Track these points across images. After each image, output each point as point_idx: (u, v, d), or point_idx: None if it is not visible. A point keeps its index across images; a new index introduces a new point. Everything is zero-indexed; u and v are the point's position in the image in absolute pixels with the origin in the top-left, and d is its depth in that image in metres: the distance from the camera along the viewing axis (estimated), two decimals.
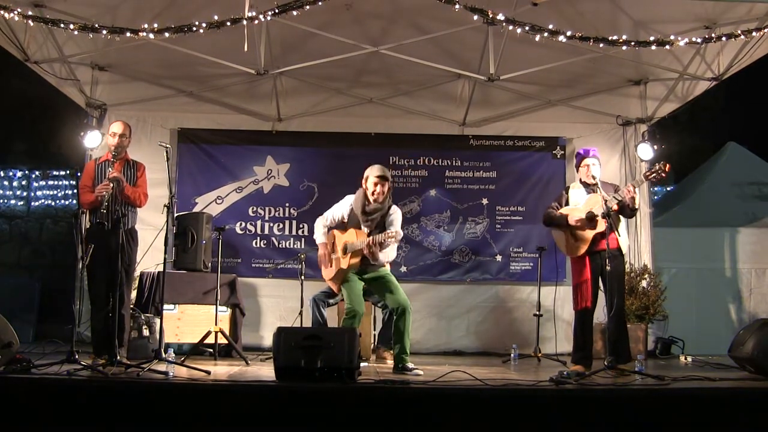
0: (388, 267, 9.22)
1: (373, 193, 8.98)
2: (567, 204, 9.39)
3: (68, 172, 16.37)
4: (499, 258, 12.71)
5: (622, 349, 8.92)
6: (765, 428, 7.03)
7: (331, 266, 9.19)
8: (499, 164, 12.86)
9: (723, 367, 9.50)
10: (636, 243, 12.57)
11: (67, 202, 16.32)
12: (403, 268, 12.38)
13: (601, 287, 9.17)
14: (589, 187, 9.28)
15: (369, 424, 6.60)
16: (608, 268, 8.66)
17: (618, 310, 8.93)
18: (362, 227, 9.02)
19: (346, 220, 9.21)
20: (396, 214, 9.14)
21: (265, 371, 8.39)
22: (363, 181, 9.09)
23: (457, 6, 8.66)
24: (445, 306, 12.58)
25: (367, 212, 9.03)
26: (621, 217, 9.20)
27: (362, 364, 8.14)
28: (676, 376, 8.36)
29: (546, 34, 8.87)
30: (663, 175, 8.92)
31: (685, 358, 11.10)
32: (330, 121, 12.54)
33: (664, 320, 12.00)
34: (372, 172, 9.04)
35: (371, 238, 8.81)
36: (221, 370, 8.62)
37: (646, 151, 12.27)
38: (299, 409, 6.60)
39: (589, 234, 9.09)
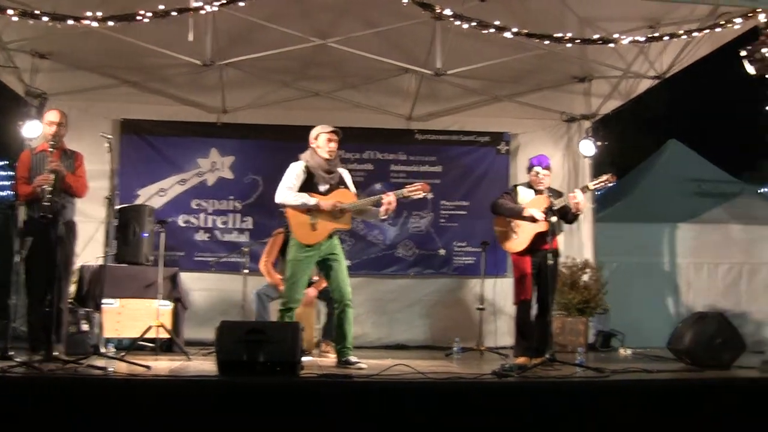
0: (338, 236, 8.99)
1: (328, 151, 8.79)
2: (515, 200, 9.49)
3: (7, 163, 16.10)
4: (442, 252, 12.76)
5: (548, 344, 9.07)
6: (701, 419, 7.16)
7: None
8: (445, 159, 12.90)
9: (661, 360, 9.65)
10: (578, 238, 12.68)
11: (4, 194, 16.03)
12: (348, 262, 12.30)
13: (537, 284, 9.36)
14: (537, 192, 9.48)
15: (311, 418, 6.57)
16: (551, 263, 8.90)
17: (549, 308, 9.22)
18: (320, 187, 8.74)
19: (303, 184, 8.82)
20: (346, 173, 9.03)
21: (208, 366, 8.33)
22: (313, 140, 8.87)
23: (405, 0, 8.66)
24: (389, 300, 12.60)
25: (328, 169, 8.78)
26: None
27: (305, 358, 8.11)
28: (615, 368, 8.50)
29: (493, 30, 8.90)
30: (609, 185, 9.21)
31: (625, 351, 11.23)
32: (276, 113, 12.46)
33: (605, 314, 12.12)
34: (324, 129, 8.85)
35: (402, 190, 8.75)
36: (162, 365, 8.51)
37: (588, 148, 12.38)
38: (241, 403, 6.56)
39: (532, 231, 9.21)
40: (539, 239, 9.19)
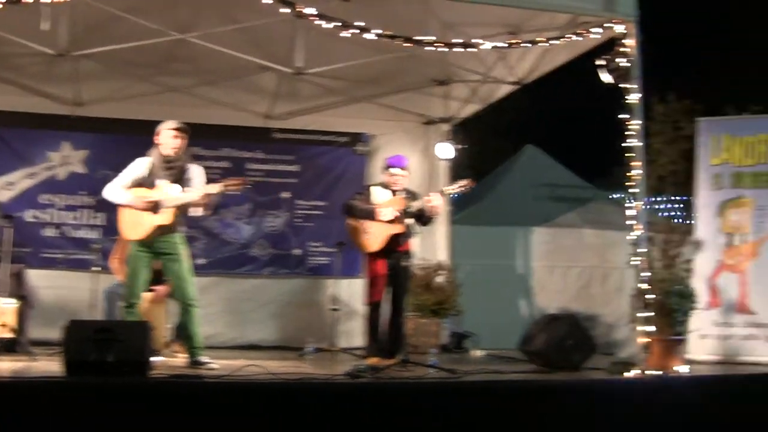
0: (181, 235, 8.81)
1: (172, 147, 8.59)
2: (369, 201, 9.50)
3: None
4: (297, 252, 12.71)
5: (400, 345, 9.16)
6: (552, 419, 7.29)
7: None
8: (302, 158, 12.84)
9: (514, 361, 9.79)
10: (433, 239, 12.78)
11: None
12: (201, 261, 12.16)
13: (391, 285, 9.40)
14: (392, 192, 9.54)
15: (161, 419, 6.42)
16: (405, 264, 9.09)
17: (403, 310, 9.33)
18: (157, 182, 8.55)
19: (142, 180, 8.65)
20: (198, 170, 8.78)
21: (54, 366, 8.08)
22: (156, 136, 8.66)
23: None
24: (243, 299, 12.46)
25: (169, 166, 8.58)
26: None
27: (155, 358, 7.95)
28: (468, 369, 8.63)
29: (355, 31, 8.88)
30: (466, 190, 9.43)
31: (478, 352, 11.36)
32: (132, 108, 12.10)
33: (459, 315, 12.23)
34: (167, 125, 8.65)
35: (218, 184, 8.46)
36: (5, 365, 8.24)
37: (446, 151, 12.49)
38: (88, 404, 6.37)
39: (386, 232, 9.24)
40: (394, 241, 9.24)
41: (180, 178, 8.58)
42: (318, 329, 11.73)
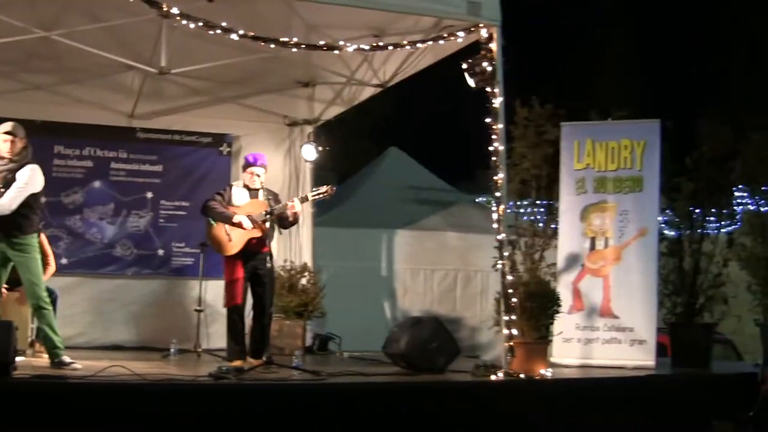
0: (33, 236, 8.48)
1: (4, 149, 8.24)
2: (230, 202, 9.39)
3: None
4: (161, 252, 12.46)
5: (265, 347, 9.19)
6: (416, 421, 7.43)
7: None
8: (166, 158, 12.59)
9: (377, 363, 9.77)
10: (297, 241, 12.69)
11: None
12: (64, 260, 11.80)
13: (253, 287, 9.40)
14: (252, 192, 9.47)
15: (24, 420, 6.30)
16: (267, 266, 9.11)
17: (268, 311, 9.32)
18: None
19: None
20: (24, 171, 8.28)
21: None
22: None
23: None
24: (106, 300, 12.12)
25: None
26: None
27: (18, 359, 7.67)
28: (332, 371, 8.60)
29: (219, 31, 8.75)
30: (327, 197, 9.52)
31: (342, 354, 11.32)
32: None
33: (323, 317, 12.17)
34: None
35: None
36: None
37: (310, 152, 12.42)
38: None
39: (245, 236, 9.16)
40: (253, 244, 9.17)
41: (10, 180, 8.25)
42: (182, 330, 11.52)
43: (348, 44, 9.46)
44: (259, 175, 9.48)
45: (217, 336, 11.53)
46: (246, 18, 9.09)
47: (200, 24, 8.65)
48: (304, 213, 12.49)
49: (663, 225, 10.88)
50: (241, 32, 8.81)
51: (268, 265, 9.17)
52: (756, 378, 8.80)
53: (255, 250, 9.21)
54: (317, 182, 12.19)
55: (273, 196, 9.53)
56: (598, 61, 35.94)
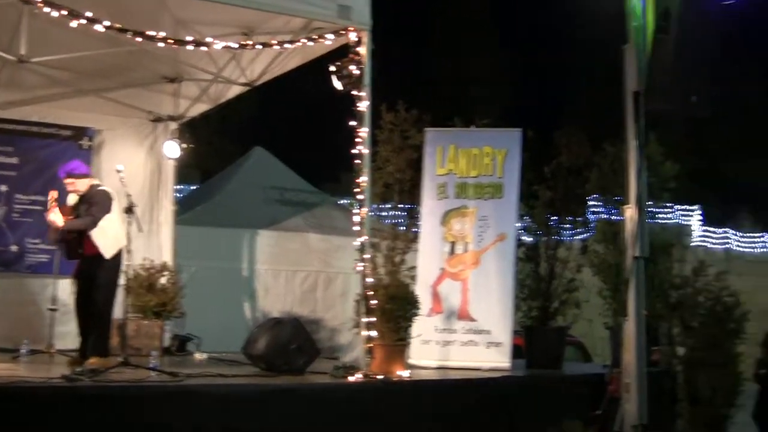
0: None
1: None
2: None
3: None
4: (15, 248, 12.11)
5: (102, 346, 9.18)
6: (274, 422, 7.50)
7: None
8: (22, 150, 12.21)
9: (237, 364, 9.72)
10: (157, 240, 12.53)
11: None
12: None
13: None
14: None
15: None
16: (94, 268, 9.18)
17: (97, 312, 9.28)
18: None
19: None
20: None
21: None
22: None
23: None
24: None
25: None
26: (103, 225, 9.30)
27: None
28: (190, 372, 8.53)
29: (84, 21, 8.58)
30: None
31: (201, 355, 11.22)
32: None
33: (182, 317, 12.04)
34: None
35: None
36: None
37: (173, 149, 12.30)
38: None
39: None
40: (75, 246, 9.26)
41: None
42: (35, 330, 11.22)
43: (216, 41, 9.41)
44: (69, 185, 9.44)
45: (71, 336, 11.30)
46: (113, 9, 8.95)
47: (64, 12, 8.47)
48: (165, 211, 12.43)
49: (521, 231, 11.12)
50: (106, 23, 8.67)
51: (93, 265, 9.12)
52: (604, 379, 9.10)
53: (83, 254, 9.27)
54: (179, 180, 12.09)
55: (88, 203, 9.40)
56: (465, 71, 36.56)
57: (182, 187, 17.43)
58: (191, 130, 12.90)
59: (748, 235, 31.83)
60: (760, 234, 32.36)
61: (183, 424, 7.13)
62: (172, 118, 12.79)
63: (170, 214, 12.58)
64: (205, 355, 11.14)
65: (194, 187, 17.83)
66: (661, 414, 9.61)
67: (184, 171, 12.71)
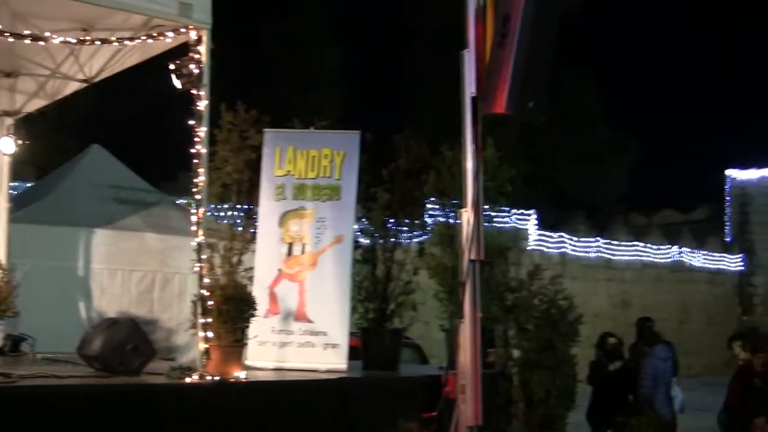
0: None
1: None
2: None
3: None
4: None
5: None
6: (110, 424, 7.39)
7: None
8: None
9: (72, 365, 9.55)
10: None
11: None
12: None
13: None
14: None
15: None
16: None
17: None
18: None
19: None
20: None
21: None
22: None
23: None
24: None
25: None
26: None
27: None
28: (24, 373, 8.34)
29: None
30: None
31: (35, 356, 10.97)
32: None
33: (16, 317, 11.73)
34: None
35: None
36: None
37: (8, 145, 12.02)
38: None
39: None
40: None
41: None
42: None
43: (54, 36, 9.25)
44: None
45: None
46: None
47: None
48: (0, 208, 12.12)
49: (358, 233, 11.24)
50: None
51: None
52: (440, 380, 9.25)
53: None
54: (14, 177, 11.79)
55: None
56: (305, 73, 36.62)
57: (17, 184, 16.94)
58: (28, 125, 12.59)
59: (582, 240, 32.71)
60: (594, 239, 33.33)
61: (15, 426, 6.97)
62: (7, 114, 12.45)
63: (4, 211, 12.26)
64: (39, 356, 10.91)
65: (29, 184, 17.38)
66: (497, 415, 9.89)
67: (20, 168, 12.39)
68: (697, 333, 35.94)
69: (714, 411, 11.80)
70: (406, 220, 11.26)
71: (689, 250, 37.25)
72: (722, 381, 12.13)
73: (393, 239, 11.14)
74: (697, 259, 37.59)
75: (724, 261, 38.93)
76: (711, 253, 38.38)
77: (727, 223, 40.58)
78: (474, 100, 8.17)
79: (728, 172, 40.69)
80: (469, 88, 8.24)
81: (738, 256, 39.43)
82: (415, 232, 11.46)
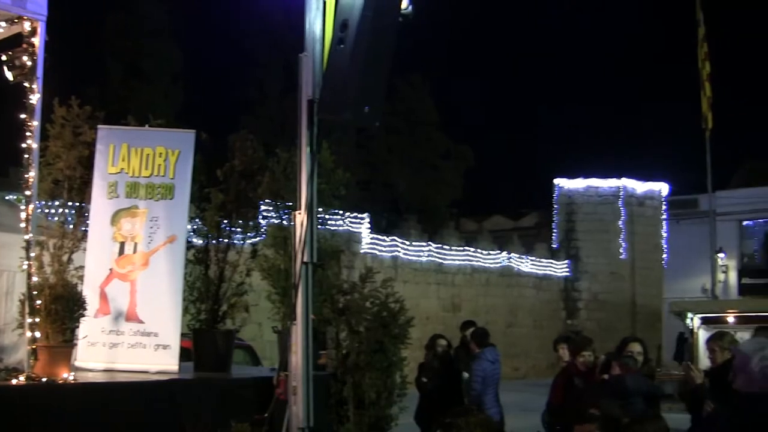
0: None
1: None
2: None
3: None
4: None
5: None
6: None
7: None
8: None
9: None
10: None
11: None
12: None
13: None
14: None
15: None
16: None
17: None
18: None
19: None
20: None
21: None
22: None
23: None
24: None
25: None
26: None
27: None
28: None
29: None
30: None
31: None
32: None
33: None
34: None
35: None
36: None
37: None
38: None
39: None
40: None
41: None
42: None
43: None
44: None
45: None
46: None
47: None
48: None
49: (191, 233, 11.13)
50: None
51: None
52: (272, 381, 9.27)
53: None
54: None
55: None
56: (141, 71, 36.07)
57: None
58: None
59: (414, 244, 33.17)
60: (426, 243, 33.85)
61: None
62: None
63: None
64: None
65: None
66: (328, 417, 9.97)
67: None
68: (524, 336, 36.98)
69: (539, 411, 12.17)
70: (240, 221, 11.23)
71: (518, 255, 38.29)
72: (548, 382, 12.51)
73: (226, 240, 11.10)
74: (525, 264, 38.66)
75: (550, 267, 40.18)
76: (538, 259, 39.55)
77: (555, 231, 41.87)
78: (310, 103, 8.24)
79: (556, 181, 42.00)
80: (306, 91, 8.31)
81: (564, 262, 40.76)
82: (249, 234, 11.44)
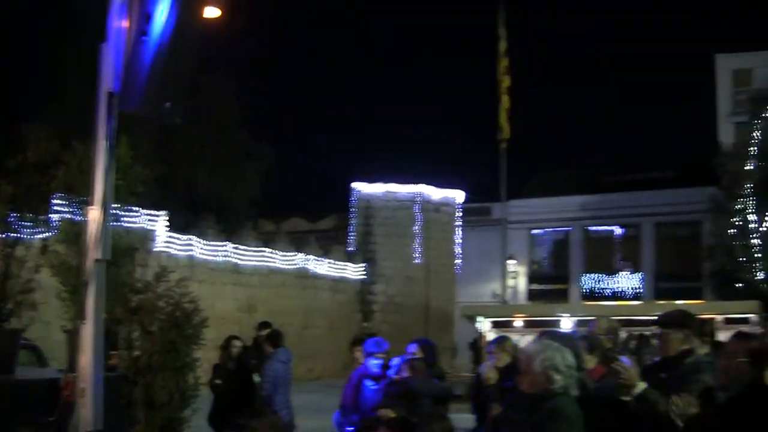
0: None
1: None
2: None
3: None
4: None
5: None
6: None
7: None
8: None
9: None
10: None
11: None
12: None
13: None
14: None
15: None
16: None
17: None
18: None
19: None
20: None
21: None
22: None
23: None
24: None
25: None
26: None
27: None
28: None
29: None
30: None
31: None
32: None
33: None
34: None
35: None
36: None
37: None
38: None
39: None
40: None
41: None
42: None
43: None
44: None
45: None
46: None
47: None
48: None
49: None
50: None
51: None
52: (59, 383, 8.97)
53: None
54: None
55: None
56: None
57: None
58: None
59: (211, 243, 32.81)
60: (223, 243, 33.54)
61: None
62: None
63: None
64: None
65: None
66: (118, 419, 9.68)
67: None
68: (319, 338, 37.12)
69: (332, 412, 12.18)
70: (30, 215, 10.82)
71: (315, 257, 38.41)
72: (342, 383, 12.54)
73: (14, 234, 10.66)
74: (322, 266, 38.82)
75: (347, 269, 40.51)
76: (335, 262, 39.79)
77: (352, 234, 42.25)
78: (110, 95, 7.98)
79: (354, 185, 42.39)
80: (105, 83, 8.05)
81: (361, 265, 41.16)
82: (39, 229, 11.04)
